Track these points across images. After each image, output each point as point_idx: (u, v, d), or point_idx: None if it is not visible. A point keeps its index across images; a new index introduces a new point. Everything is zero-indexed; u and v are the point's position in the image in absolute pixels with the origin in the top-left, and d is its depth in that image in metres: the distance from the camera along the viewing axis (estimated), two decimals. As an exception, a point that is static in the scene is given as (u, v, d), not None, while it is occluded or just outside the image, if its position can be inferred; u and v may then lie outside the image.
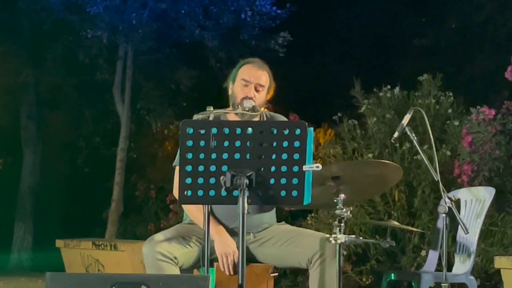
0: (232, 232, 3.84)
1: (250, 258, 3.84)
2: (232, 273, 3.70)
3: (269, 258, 3.89)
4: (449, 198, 3.84)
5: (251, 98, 3.80)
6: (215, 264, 3.77)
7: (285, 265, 3.95)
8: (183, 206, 3.98)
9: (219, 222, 3.85)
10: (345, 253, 6.51)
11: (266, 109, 4.03)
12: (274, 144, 3.05)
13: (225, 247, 3.75)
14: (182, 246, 3.77)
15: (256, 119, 3.79)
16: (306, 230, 4.04)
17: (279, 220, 4.10)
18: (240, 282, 3.03)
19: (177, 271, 3.69)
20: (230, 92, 3.96)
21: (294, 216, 6.75)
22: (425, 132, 5.87)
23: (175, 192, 3.86)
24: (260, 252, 3.90)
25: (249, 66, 3.95)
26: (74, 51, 12.29)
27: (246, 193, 3.00)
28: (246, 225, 3.05)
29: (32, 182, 13.74)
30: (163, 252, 3.68)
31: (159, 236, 3.79)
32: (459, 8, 13.71)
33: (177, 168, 3.87)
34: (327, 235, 3.65)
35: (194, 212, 3.88)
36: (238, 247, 3.18)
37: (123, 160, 11.87)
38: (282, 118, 4.02)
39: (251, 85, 3.87)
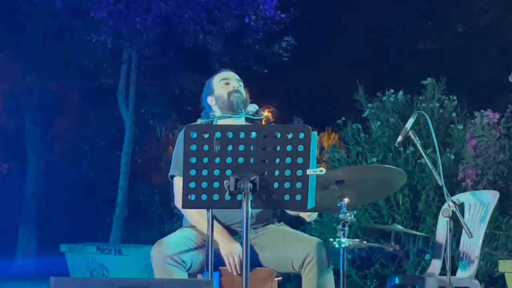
0: (229, 230, 3.86)
1: (253, 261, 3.83)
2: (239, 272, 3.71)
3: (268, 263, 3.88)
4: (453, 202, 3.83)
5: (237, 91, 3.95)
6: (220, 268, 3.77)
7: (282, 270, 3.91)
8: (184, 212, 3.98)
9: (217, 221, 3.85)
10: (349, 257, 6.50)
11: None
12: (278, 148, 3.05)
13: (230, 247, 3.77)
14: (190, 250, 3.78)
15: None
16: (303, 234, 4.03)
17: (282, 222, 4.11)
18: (244, 286, 3.02)
19: (185, 275, 3.69)
20: (213, 102, 4.04)
21: (298, 219, 6.73)
22: (429, 136, 5.86)
23: (177, 203, 3.87)
24: (260, 257, 3.90)
25: (219, 75, 4.15)
26: (78, 56, 12.32)
27: (250, 197, 3.00)
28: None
29: (37, 187, 13.75)
30: (172, 255, 3.69)
31: (168, 239, 3.80)
32: (463, 12, 13.72)
33: (175, 179, 3.89)
34: (331, 239, 3.65)
35: (196, 218, 3.88)
36: (242, 249, 3.18)
37: (128, 164, 11.89)
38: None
39: (232, 81, 4.05)
